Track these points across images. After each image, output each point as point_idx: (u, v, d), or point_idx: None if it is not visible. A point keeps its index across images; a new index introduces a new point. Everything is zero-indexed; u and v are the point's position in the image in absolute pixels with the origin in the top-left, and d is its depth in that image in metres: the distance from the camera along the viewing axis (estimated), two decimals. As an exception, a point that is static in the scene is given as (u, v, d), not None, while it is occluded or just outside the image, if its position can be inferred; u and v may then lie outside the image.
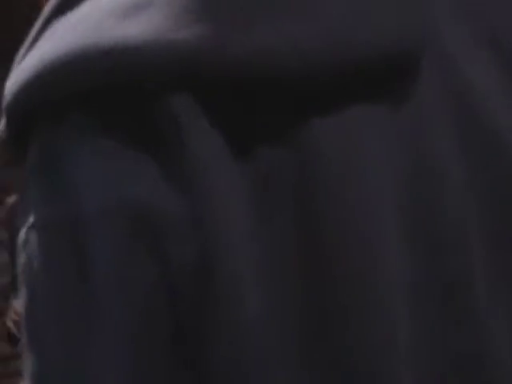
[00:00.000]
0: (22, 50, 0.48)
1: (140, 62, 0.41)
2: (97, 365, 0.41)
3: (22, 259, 0.45)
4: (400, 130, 0.45)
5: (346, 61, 0.43)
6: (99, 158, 0.42)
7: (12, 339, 3.37)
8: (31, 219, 0.44)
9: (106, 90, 0.42)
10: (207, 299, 0.41)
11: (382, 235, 0.44)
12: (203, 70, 0.42)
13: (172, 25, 0.42)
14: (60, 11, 0.46)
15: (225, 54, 0.42)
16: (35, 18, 0.47)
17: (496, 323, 0.46)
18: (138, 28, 0.42)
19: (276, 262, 0.42)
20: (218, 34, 0.42)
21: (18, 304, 0.48)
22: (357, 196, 0.43)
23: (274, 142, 0.43)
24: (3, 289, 4.18)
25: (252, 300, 0.42)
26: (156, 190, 0.42)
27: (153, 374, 0.41)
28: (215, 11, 0.42)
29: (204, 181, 0.41)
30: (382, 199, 0.44)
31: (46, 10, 0.46)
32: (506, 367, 0.46)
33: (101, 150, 0.42)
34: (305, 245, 0.43)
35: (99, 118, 0.43)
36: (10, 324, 3.48)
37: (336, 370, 0.42)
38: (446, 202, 0.46)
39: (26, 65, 0.45)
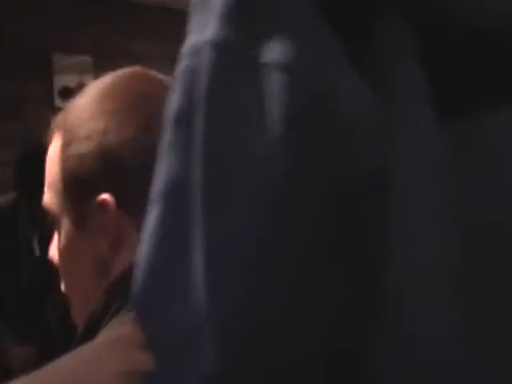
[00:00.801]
0: None
1: None
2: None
3: (183, 64, 0.44)
4: None
5: None
6: (307, 29, 0.42)
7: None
8: (210, 34, 0.43)
9: None
10: (380, 209, 0.40)
11: None
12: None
13: None
14: None
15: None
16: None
17: None
18: None
19: (453, 205, 0.41)
20: None
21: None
22: None
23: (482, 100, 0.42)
24: None
25: (426, 226, 0.40)
26: (352, 88, 0.41)
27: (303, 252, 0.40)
28: None
29: (404, 111, 0.41)
30: None
31: None
32: None
33: (311, 26, 0.42)
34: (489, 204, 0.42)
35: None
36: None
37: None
38: None
39: None
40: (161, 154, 0.45)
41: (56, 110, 0.84)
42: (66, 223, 0.80)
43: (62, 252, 0.82)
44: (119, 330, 0.64)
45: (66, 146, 0.80)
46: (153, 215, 0.44)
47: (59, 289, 0.84)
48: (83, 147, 0.78)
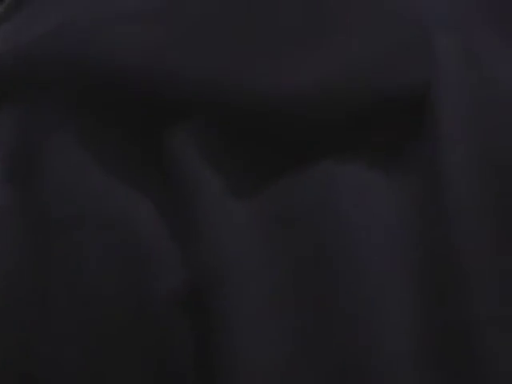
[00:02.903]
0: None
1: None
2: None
3: None
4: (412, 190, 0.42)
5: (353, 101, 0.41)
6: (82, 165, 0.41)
7: None
8: None
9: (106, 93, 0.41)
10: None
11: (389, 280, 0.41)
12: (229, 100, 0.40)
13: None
14: None
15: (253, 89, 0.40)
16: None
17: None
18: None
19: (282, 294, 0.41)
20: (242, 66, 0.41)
21: None
22: (365, 247, 0.41)
23: (284, 179, 0.41)
24: None
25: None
26: (148, 216, 0.40)
27: None
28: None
29: (206, 221, 0.40)
30: (390, 256, 0.42)
31: None
32: None
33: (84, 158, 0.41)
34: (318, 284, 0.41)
35: (94, 116, 0.41)
36: None
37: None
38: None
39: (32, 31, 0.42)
40: None
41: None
42: None
43: None
44: None
45: None
46: None
47: None
48: None
